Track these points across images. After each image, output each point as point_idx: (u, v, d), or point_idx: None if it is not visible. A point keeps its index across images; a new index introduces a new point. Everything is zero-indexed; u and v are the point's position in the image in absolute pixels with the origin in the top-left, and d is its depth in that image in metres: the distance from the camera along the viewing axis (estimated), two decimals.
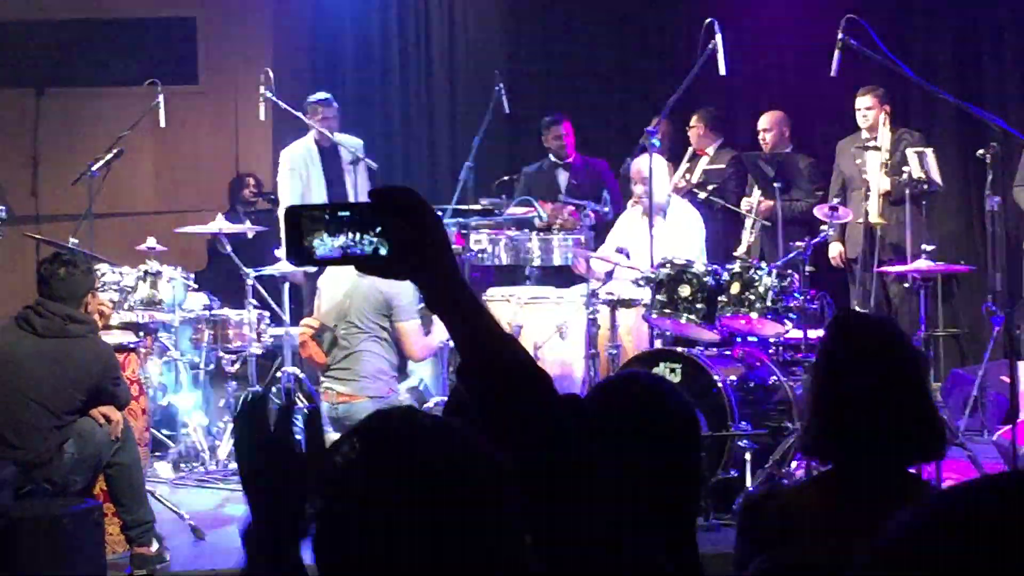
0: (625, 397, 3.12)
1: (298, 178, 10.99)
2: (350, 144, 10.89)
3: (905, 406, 3.61)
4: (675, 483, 3.10)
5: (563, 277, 10.48)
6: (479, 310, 2.49)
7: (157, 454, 9.53)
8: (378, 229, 2.40)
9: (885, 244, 10.35)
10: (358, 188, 10.72)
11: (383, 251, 2.41)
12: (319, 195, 10.91)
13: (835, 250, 11.12)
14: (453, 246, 9.49)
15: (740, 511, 3.79)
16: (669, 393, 3.18)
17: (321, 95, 11.23)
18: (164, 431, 9.68)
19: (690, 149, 11.72)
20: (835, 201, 10.85)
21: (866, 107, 10.74)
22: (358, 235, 2.41)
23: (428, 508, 1.95)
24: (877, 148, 10.43)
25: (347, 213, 2.44)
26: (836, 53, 8.32)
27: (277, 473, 2.23)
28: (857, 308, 10.90)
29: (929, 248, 8.66)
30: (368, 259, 2.43)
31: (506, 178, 11.90)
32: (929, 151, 10.34)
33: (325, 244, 2.44)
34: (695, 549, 3.22)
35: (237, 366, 10.11)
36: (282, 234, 10.70)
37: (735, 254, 10.64)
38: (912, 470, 3.87)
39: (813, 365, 3.91)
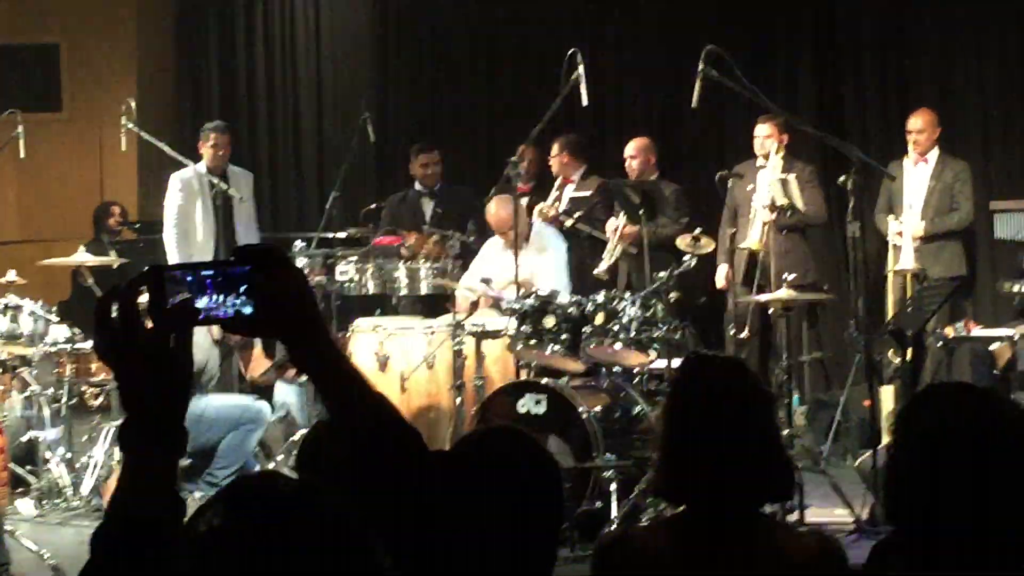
0: (488, 454, 3.11)
1: (182, 203, 10.87)
2: (242, 177, 10.84)
3: (752, 449, 3.64)
4: (535, 540, 3.09)
5: (430, 306, 10.50)
6: (347, 369, 2.49)
7: (19, 491, 9.37)
8: (242, 288, 2.38)
9: (766, 269, 10.46)
10: (244, 222, 10.66)
11: (248, 311, 2.38)
12: (206, 224, 10.80)
13: (722, 272, 11.21)
14: (318, 277, 9.51)
15: (594, 554, 3.80)
16: (532, 450, 3.17)
17: (216, 122, 11.15)
18: (26, 467, 9.52)
19: (559, 178, 11.74)
20: (730, 226, 11.02)
21: (764, 135, 10.81)
22: (221, 296, 2.37)
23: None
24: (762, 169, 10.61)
25: (210, 272, 2.39)
26: (697, 83, 8.37)
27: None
28: (734, 333, 11.04)
29: (790, 277, 8.75)
30: (232, 320, 2.40)
31: (373, 206, 11.85)
32: (791, 177, 10.47)
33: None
34: None
35: (100, 399, 9.99)
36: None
37: (595, 272, 10.71)
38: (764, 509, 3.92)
39: (663, 407, 3.94)
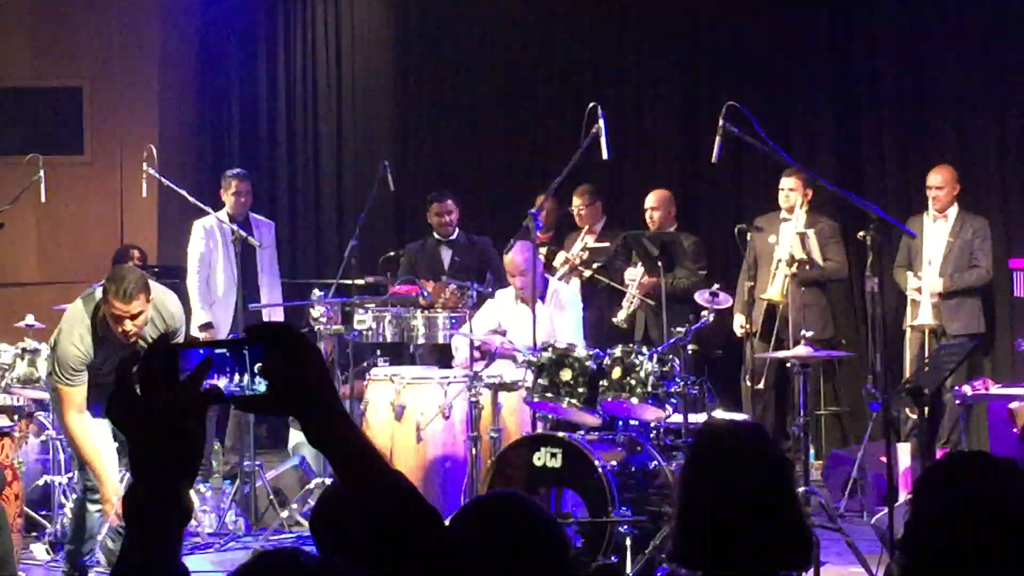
0: (494, 522, 3.09)
1: (206, 248, 10.94)
2: (263, 225, 10.86)
3: (769, 516, 3.61)
4: None
5: (448, 355, 10.48)
6: (363, 447, 2.46)
7: (33, 535, 9.35)
8: (256, 367, 2.36)
9: (786, 322, 10.45)
10: (266, 270, 10.68)
11: (261, 388, 2.36)
12: (227, 272, 10.84)
13: (738, 322, 11.21)
14: (337, 325, 9.50)
15: None
16: (538, 517, 3.15)
17: (237, 170, 11.22)
18: (41, 512, 9.50)
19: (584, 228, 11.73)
20: (748, 278, 11.02)
21: (789, 188, 10.87)
22: (236, 374, 2.36)
23: None
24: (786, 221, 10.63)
25: (224, 351, 2.38)
26: (717, 139, 8.36)
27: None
28: (750, 384, 11.01)
29: (808, 334, 8.73)
30: (247, 398, 2.39)
31: (391, 254, 11.86)
32: (811, 232, 10.48)
33: (204, 384, 2.38)
34: None
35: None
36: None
37: (613, 320, 10.70)
38: None
39: (680, 474, 3.91)
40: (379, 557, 2.48)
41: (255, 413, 2.24)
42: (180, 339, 7.62)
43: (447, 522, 3.06)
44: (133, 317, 7.36)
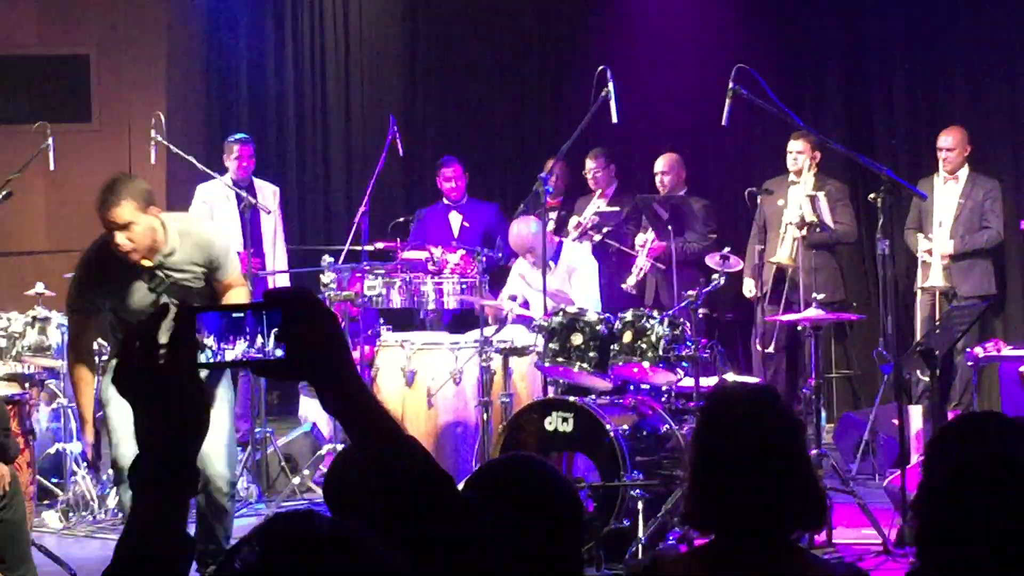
0: (509, 484, 3.10)
1: (205, 213, 10.91)
2: (268, 189, 10.83)
3: (782, 478, 3.62)
4: (557, 566, 3.08)
5: (457, 321, 10.50)
6: (379, 412, 2.46)
7: (46, 503, 9.39)
8: (273, 332, 2.37)
9: (796, 285, 10.46)
10: (271, 235, 10.66)
11: (279, 353, 2.37)
12: (232, 235, 10.84)
13: (748, 286, 11.23)
14: (347, 291, 9.50)
15: None
16: (552, 479, 3.16)
17: (239, 135, 11.20)
18: (52, 479, 9.53)
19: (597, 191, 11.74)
20: (758, 241, 11.03)
21: (797, 151, 10.87)
22: (255, 338, 2.37)
23: None
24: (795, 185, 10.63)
25: (241, 315, 2.39)
26: (727, 102, 8.35)
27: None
28: (759, 347, 11.03)
29: (820, 296, 8.73)
30: (264, 363, 2.39)
31: (401, 220, 11.86)
32: (821, 195, 10.47)
33: (223, 351, 2.39)
34: None
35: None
36: None
37: (623, 286, 10.71)
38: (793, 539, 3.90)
39: (692, 437, 3.92)
40: (392, 521, 2.49)
41: (273, 378, 2.27)
42: (227, 269, 7.31)
43: (461, 485, 3.08)
44: (122, 228, 6.98)
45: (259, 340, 2.38)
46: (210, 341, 2.39)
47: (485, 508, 2.98)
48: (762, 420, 3.68)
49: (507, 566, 2.94)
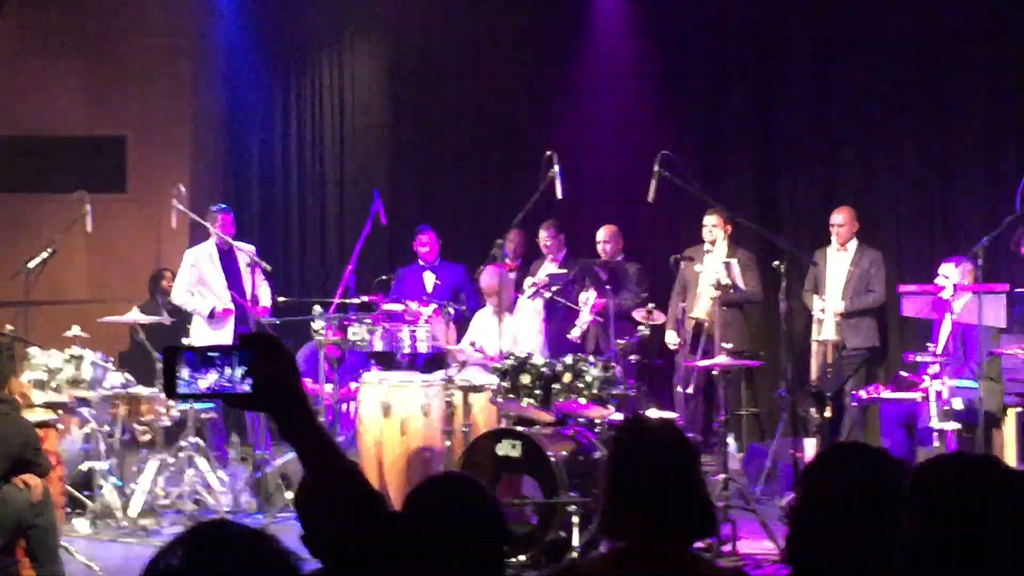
0: (440, 499, 3.06)
1: (194, 274, 10.86)
2: (245, 249, 10.76)
3: (680, 495, 3.62)
4: (482, 564, 3.02)
5: (429, 363, 10.44)
6: (325, 441, 2.49)
7: (77, 511, 9.30)
8: (243, 369, 2.37)
9: (711, 337, 10.44)
10: (254, 286, 10.58)
11: (246, 388, 2.37)
12: (219, 290, 10.79)
13: (670, 337, 11.23)
14: (334, 336, 9.46)
15: None
16: (479, 495, 3.11)
17: (220, 205, 11.14)
18: (84, 492, 9.44)
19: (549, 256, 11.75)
20: (679, 300, 11.02)
21: (712, 224, 10.88)
22: (225, 374, 2.36)
23: None
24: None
25: (216, 354, 2.40)
26: (652, 182, 8.37)
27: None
28: (680, 389, 11.01)
29: (728, 346, 8.72)
30: (234, 395, 2.39)
31: (383, 277, 11.82)
32: (734, 262, 10.48)
33: (196, 381, 2.39)
34: None
35: (148, 436, 9.95)
36: (192, 322, 10.57)
37: (568, 336, 10.68)
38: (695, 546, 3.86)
39: (607, 460, 3.90)
40: (335, 533, 2.47)
41: (240, 408, 2.28)
42: None
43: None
44: None
45: (227, 371, 2.39)
46: (185, 373, 2.40)
47: (417, 522, 2.93)
48: (664, 447, 3.69)
49: (437, 572, 2.89)
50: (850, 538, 3.04)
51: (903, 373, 9.50)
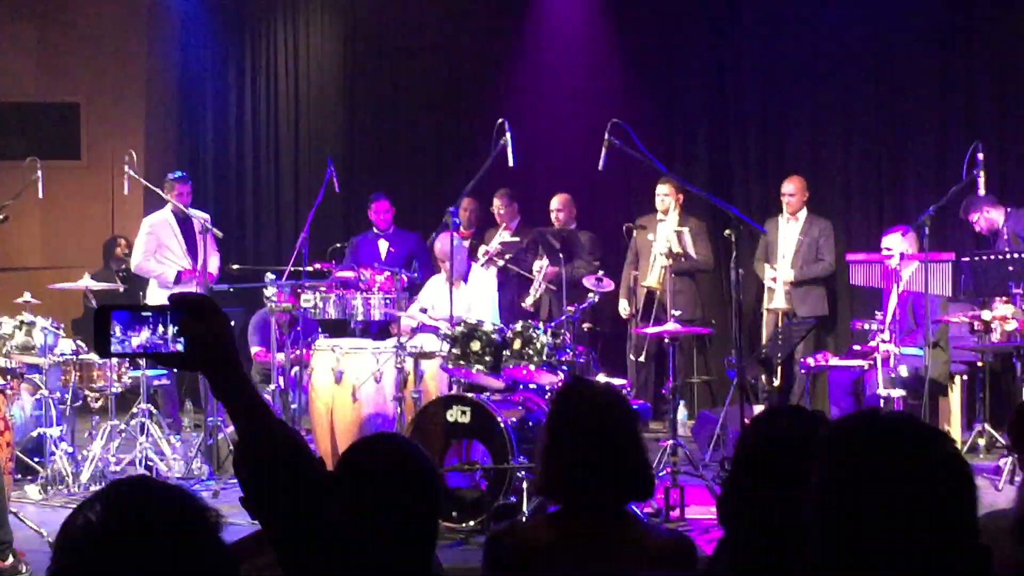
0: (372, 459, 3.07)
1: (152, 241, 10.78)
2: (199, 216, 10.70)
3: (617, 456, 3.65)
4: (416, 529, 3.03)
5: (383, 330, 10.45)
6: (257, 400, 2.49)
7: (28, 478, 9.27)
8: (175, 329, 2.37)
9: (663, 306, 10.48)
10: (207, 252, 10.53)
11: (179, 347, 2.38)
12: (179, 256, 10.74)
13: (623, 305, 11.29)
14: (285, 303, 9.45)
15: (485, 543, 3.78)
16: (412, 453, 3.12)
17: (177, 173, 11.05)
18: (35, 459, 9.41)
19: (502, 225, 11.77)
20: (632, 268, 11.06)
21: (664, 193, 10.93)
22: (158, 333, 2.37)
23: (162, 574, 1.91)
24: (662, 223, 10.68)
25: (149, 314, 2.40)
26: (603, 151, 8.38)
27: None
28: (632, 357, 11.07)
29: (677, 313, 8.76)
30: (165, 354, 2.40)
31: (338, 245, 11.82)
32: (686, 230, 10.54)
33: (128, 340, 2.39)
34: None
35: (100, 402, 9.92)
36: (147, 288, 10.53)
37: (523, 305, 10.71)
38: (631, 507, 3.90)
39: (545, 421, 3.93)
40: (267, 496, 2.49)
41: (171, 367, 2.27)
42: None
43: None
44: None
45: (160, 330, 2.39)
46: (117, 331, 2.40)
47: (351, 482, 2.94)
48: (602, 407, 3.72)
49: (371, 531, 2.91)
50: (781, 499, 3.06)
51: (856, 347, 9.56)
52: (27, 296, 9.60)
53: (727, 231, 8.51)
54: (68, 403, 9.50)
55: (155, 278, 10.77)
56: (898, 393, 8.86)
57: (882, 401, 8.84)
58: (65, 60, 14.14)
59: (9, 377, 8.69)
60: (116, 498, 1.97)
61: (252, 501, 2.53)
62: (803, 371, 9.70)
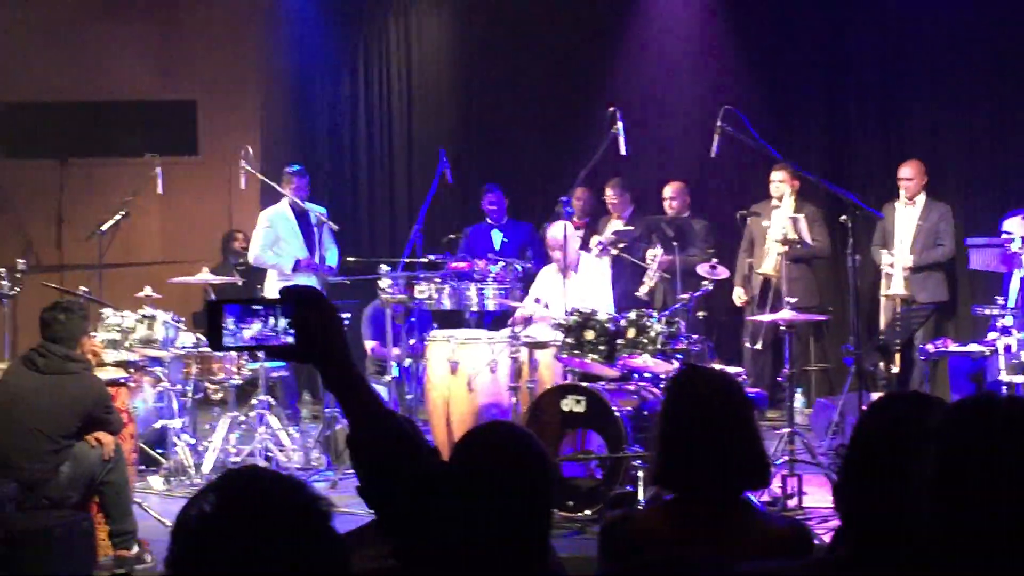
0: (486, 447, 3.07)
1: (271, 234, 10.89)
2: (316, 210, 10.81)
3: (733, 445, 3.62)
4: (530, 518, 3.03)
5: (498, 321, 10.49)
6: (368, 391, 2.52)
7: (152, 469, 9.45)
8: (286, 321, 2.40)
9: (779, 293, 10.39)
10: (323, 246, 10.64)
11: (290, 340, 2.41)
12: (296, 248, 10.85)
13: (737, 293, 11.23)
14: (400, 295, 9.51)
15: (600, 532, 3.78)
16: (525, 441, 3.12)
17: (294, 167, 11.16)
18: (158, 450, 9.59)
19: (615, 214, 11.75)
20: (747, 256, 11.00)
21: (779, 179, 10.87)
22: (270, 326, 2.40)
23: (274, 562, 1.93)
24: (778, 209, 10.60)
25: (260, 307, 2.43)
26: (715, 138, 8.33)
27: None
28: (748, 345, 11.00)
29: (792, 300, 8.67)
30: (277, 347, 2.43)
31: (452, 236, 11.89)
32: (801, 217, 10.42)
33: (240, 332, 2.43)
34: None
35: (220, 394, 10.08)
36: (265, 281, 10.65)
37: (637, 294, 10.68)
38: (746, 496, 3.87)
39: (661, 409, 3.91)
40: (381, 483, 2.50)
41: (283, 359, 2.32)
42: None
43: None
44: None
45: (271, 322, 2.42)
46: (230, 324, 2.43)
47: (464, 472, 2.95)
48: (716, 396, 3.68)
49: (485, 520, 2.91)
50: (899, 486, 3.01)
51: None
52: (148, 291, 9.78)
53: (843, 217, 8.43)
54: (189, 395, 9.67)
55: (273, 268, 10.88)
56: (1021, 379, 8.69)
57: (1004, 388, 8.68)
58: (182, 58, 14.36)
59: (132, 370, 8.85)
60: (229, 488, 1.99)
61: (369, 492, 2.55)
62: (922, 358, 9.57)
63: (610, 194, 11.81)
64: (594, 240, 11.36)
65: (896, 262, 10.66)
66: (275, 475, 2.04)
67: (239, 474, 2.05)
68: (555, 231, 9.66)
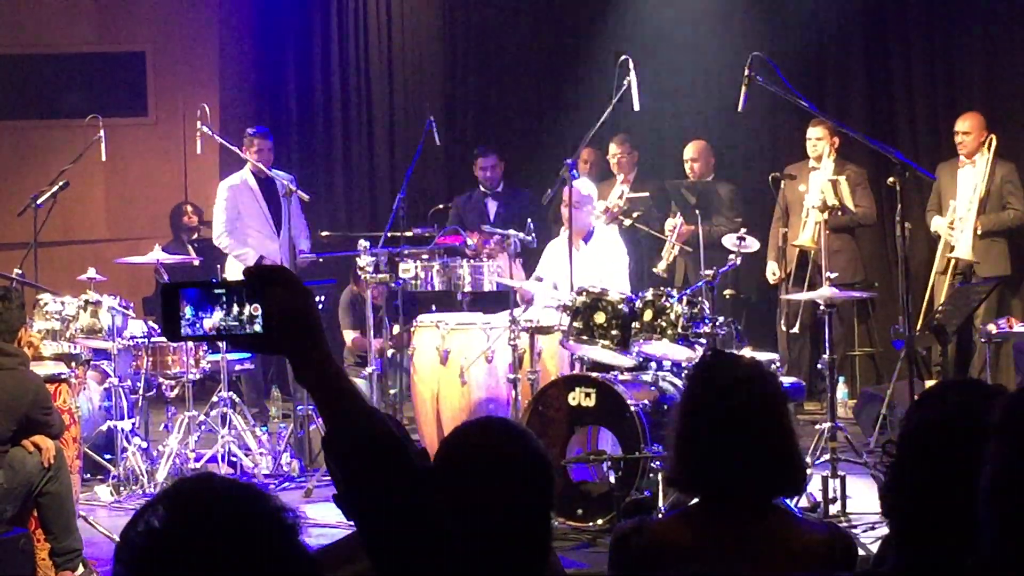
0: (476, 448, 3.07)
1: (233, 209, 10.89)
2: (283, 177, 10.79)
3: (762, 444, 3.60)
4: (526, 529, 3.04)
5: (497, 302, 10.48)
6: (346, 384, 2.48)
7: (98, 478, 9.46)
8: (252, 306, 2.38)
9: (818, 267, 10.39)
10: (291, 219, 10.64)
11: (256, 328, 2.38)
12: (260, 224, 10.86)
13: (771, 268, 11.22)
14: (381, 274, 9.52)
15: (610, 544, 3.78)
16: (520, 441, 3.12)
17: (258, 128, 11.14)
18: (105, 456, 9.60)
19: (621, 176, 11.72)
20: (781, 225, 10.98)
21: (816, 137, 10.84)
22: (233, 312, 2.38)
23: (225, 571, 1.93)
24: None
25: (222, 291, 2.41)
26: (743, 89, 8.31)
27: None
28: (784, 328, 11.00)
29: (833, 275, 8.66)
30: (242, 336, 2.41)
31: (440, 207, 11.89)
32: (842, 179, 10.41)
33: (200, 321, 2.41)
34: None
35: (176, 391, 10.08)
36: (227, 260, 10.64)
37: (654, 270, 10.68)
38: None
39: (679, 403, 3.90)
40: (356, 488, 2.50)
41: (249, 351, 2.30)
42: None
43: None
44: None
45: (235, 310, 2.40)
46: (188, 312, 2.41)
47: (453, 474, 2.95)
48: (744, 389, 3.66)
49: (475, 531, 2.91)
50: (954, 488, 3.01)
51: None
52: (92, 272, 9.76)
53: (891, 179, 8.40)
54: (140, 392, 9.68)
55: (236, 258, 10.87)
56: None
57: None
58: (127, 3, 14.32)
59: (74, 364, 8.83)
60: (180, 500, 1.99)
61: (345, 498, 2.55)
62: (983, 340, 9.55)
63: (616, 152, 11.74)
64: (599, 206, 11.33)
65: (958, 224, 10.61)
66: (233, 483, 2.04)
67: (191, 483, 2.04)
68: (582, 187, 9.57)
